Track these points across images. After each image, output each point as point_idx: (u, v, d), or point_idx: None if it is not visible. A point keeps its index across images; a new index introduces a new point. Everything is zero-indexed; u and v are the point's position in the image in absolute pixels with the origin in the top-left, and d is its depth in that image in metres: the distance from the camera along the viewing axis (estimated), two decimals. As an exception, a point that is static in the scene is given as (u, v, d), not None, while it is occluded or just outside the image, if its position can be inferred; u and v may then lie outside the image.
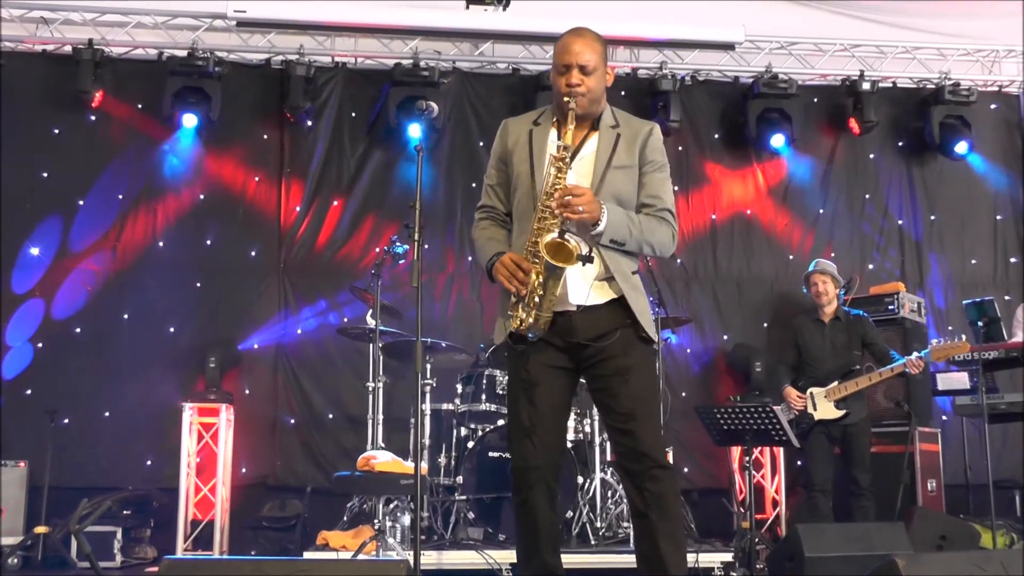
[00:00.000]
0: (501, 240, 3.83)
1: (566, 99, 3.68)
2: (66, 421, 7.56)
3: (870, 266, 8.85)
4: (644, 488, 3.56)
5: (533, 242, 3.60)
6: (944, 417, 8.45)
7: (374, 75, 8.65)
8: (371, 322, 6.77)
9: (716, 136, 8.97)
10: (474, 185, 8.50)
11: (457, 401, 6.97)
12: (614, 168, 3.72)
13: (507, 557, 5.86)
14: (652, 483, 3.56)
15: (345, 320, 8.13)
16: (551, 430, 3.73)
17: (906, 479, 7.35)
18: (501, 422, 6.69)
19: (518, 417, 3.71)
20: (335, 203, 8.47)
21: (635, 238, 3.68)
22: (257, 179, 8.45)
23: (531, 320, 3.58)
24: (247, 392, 8.10)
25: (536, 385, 3.67)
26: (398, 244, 6.64)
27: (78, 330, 8.03)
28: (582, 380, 3.87)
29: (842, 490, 6.91)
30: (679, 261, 8.64)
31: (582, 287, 3.66)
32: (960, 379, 7.80)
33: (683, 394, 8.26)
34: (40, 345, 7.95)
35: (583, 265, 3.55)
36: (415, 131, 8.21)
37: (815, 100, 9.06)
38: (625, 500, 6.55)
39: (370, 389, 6.94)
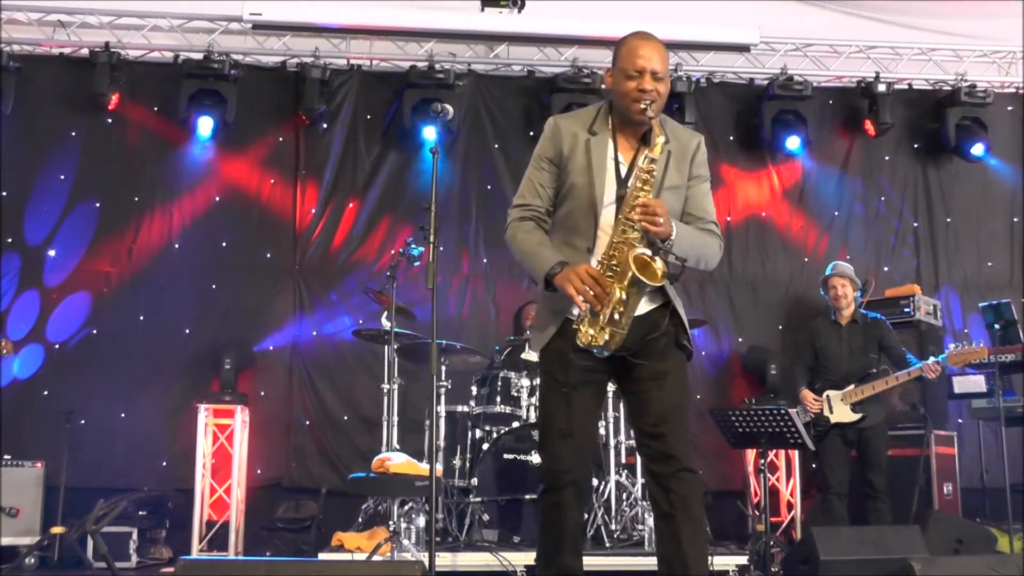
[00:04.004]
0: (553, 247, 3.67)
1: (642, 106, 3.55)
2: (82, 422, 7.58)
3: (885, 268, 8.82)
4: (670, 489, 3.54)
5: (610, 255, 3.49)
6: (960, 420, 8.40)
7: (389, 77, 8.67)
8: (386, 324, 6.77)
9: (731, 138, 8.95)
10: (489, 187, 8.52)
11: (472, 403, 6.97)
12: (666, 189, 3.62)
13: (522, 559, 5.86)
14: (678, 485, 3.54)
15: (360, 322, 8.15)
16: (586, 434, 3.72)
17: (922, 482, 7.33)
18: (516, 424, 6.70)
19: (555, 420, 3.66)
20: (350, 205, 8.49)
21: (695, 254, 3.61)
22: (272, 181, 8.47)
23: (606, 337, 3.47)
24: (262, 393, 8.12)
25: (575, 389, 3.61)
26: (413, 246, 6.63)
27: (94, 331, 8.07)
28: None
29: (858, 493, 6.89)
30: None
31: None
32: (977, 382, 7.77)
33: (698, 396, 8.23)
34: (56, 346, 8.00)
35: (671, 283, 3.54)
36: (430, 133, 8.22)
37: (830, 102, 9.04)
38: (640, 503, 6.56)
39: (385, 391, 6.94)
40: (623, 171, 3.63)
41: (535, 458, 6.44)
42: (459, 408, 6.94)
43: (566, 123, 3.76)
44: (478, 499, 6.48)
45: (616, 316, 3.46)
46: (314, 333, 8.27)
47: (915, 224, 8.98)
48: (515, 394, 6.86)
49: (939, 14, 8.79)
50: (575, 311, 3.56)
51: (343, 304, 8.33)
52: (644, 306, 3.62)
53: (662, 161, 3.60)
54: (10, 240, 8.05)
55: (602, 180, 3.62)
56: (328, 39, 8.50)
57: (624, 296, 3.44)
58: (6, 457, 7.14)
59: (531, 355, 6.87)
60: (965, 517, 7.42)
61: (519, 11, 8.31)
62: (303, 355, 8.24)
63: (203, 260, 8.27)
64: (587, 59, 8.49)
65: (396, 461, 6.10)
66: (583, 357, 3.60)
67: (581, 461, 3.70)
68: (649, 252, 3.44)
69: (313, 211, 8.43)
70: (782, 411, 6.01)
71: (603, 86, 3.92)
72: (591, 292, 3.44)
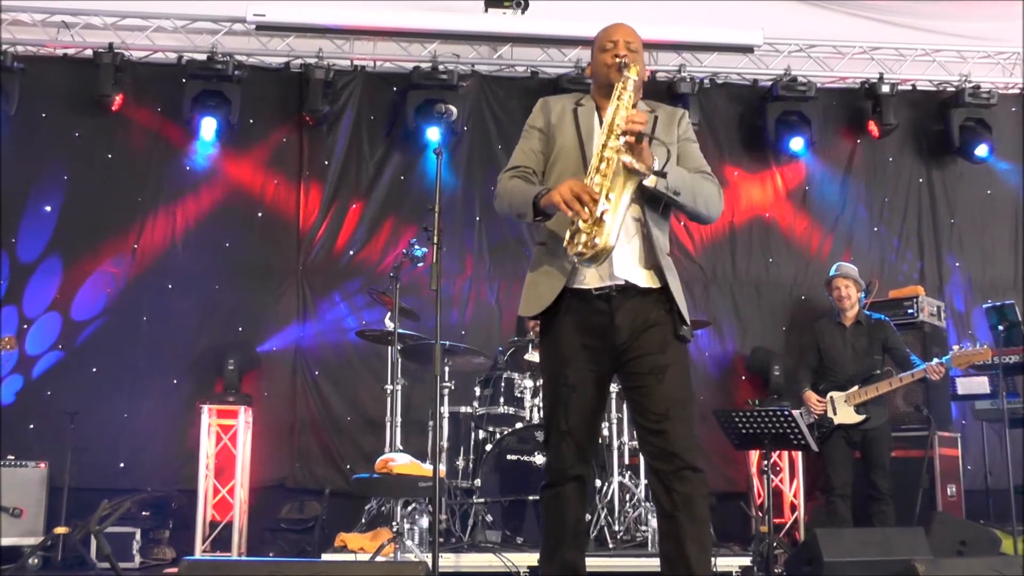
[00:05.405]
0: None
1: (618, 61, 3.72)
2: (86, 422, 7.57)
3: (889, 270, 8.81)
4: (673, 489, 3.53)
5: (596, 166, 3.52)
6: (964, 422, 8.40)
7: (393, 78, 8.67)
8: (389, 325, 6.79)
9: (735, 139, 8.95)
10: (493, 188, 8.47)
11: (475, 404, 6.98)
12: (656, 145, 3.63)
13: (525, 560, 5.87)
14: (681, 484, 3.53)
15: (363, 323, 8.15)
16: (588, 433, 3.71)
17: (926, 484, 7.33)
18: (519, 425, 6.70)
19: (556, 419, 3.68)
20: (354, 206, 8.48)
21: (689, 188, 3.66)
22: (276, 182, 8.47)
23: (596, 241, 3.43)
24: (265, 394, 8.12)
25: (575, 389, 3.63)
26: (417, 247, 6.64)
27: (98, 332, 8.07)
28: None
29: (861, 495, 6.89)
30: (698, 264, 8.64)
31: (628, 260, 3.62)
32: (980, 383, 7.77)
33: (701, 398, 8.22)
34: (60, 347, 8.01)
35: (655, 180, 3.52)
36: (434, 134, 8.23)
37: (834, 103, 9.03)
38: (643, 504, 6.56)
39: (388, 392, 6.96)
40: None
41: (538, 459, 6.45)
42: (463, 409, 6.95)
43: (555, 98, 3.96)
44: (481, 500, 6.48)
45: (604, 217, 3.44)
46: (317, 334, 8.27)
47: (919, 225, 8.96)
48: (518, 395, 6.88)
49: (943, 15, 8.79)
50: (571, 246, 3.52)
51: (346, 305, 8.34)
52: (639, 278, 3.63)
53: (648, 123, 3.68)
54: (13, 240, 8.06)
55: (589, 141, 3.71)
56: (332, 40, 8.51)
57: (611, 196, 3.46)
58: (10, 457, 7.16)
59: (534, 356, 6.88)
60: (969, 519, 7.41)
61: (522, 12, 8.33)
62: (307, 356, 8.24)
63: (207, 261, 8.27)
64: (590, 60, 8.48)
65: (399, 462, 6.11)
66: (586, 354, 3.61)
67: (583, 458, 3.70)
68: (633, 160, 3.45)
69: (316, 212, 8.43)
70: (786, 412, 6.01)
71: (587, 76, 3.95)
72: (577, 201, 3.44)
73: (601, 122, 3.72)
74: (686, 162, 3.81)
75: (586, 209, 3.43)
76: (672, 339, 3.66)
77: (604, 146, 3.56)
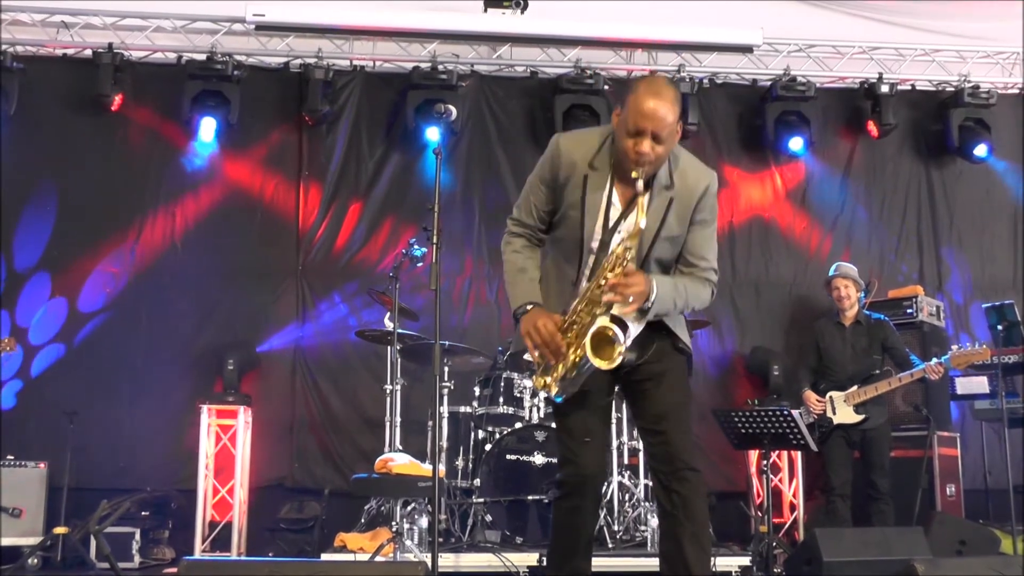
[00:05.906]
0: (535, 276, 3.69)
1: (634, 175, 3.42)
2: (86, 422, 7.57)
3: (888, 270, 8.81)
4: (672, 489, 3.57)
5: (574, 317, 3.52)
6: (963, 421, 8.39)
7: (392, 78, 8.66)
8: (389, 325, 6.78)
9: (734, 139, 8.94)
10: (492, 188, 8.51)
11: (475, 404, 6.98)
12: (663, 239, 3.58)
13: (524, 560, 5.87)
14: (680, 484, 3.57)
15: (363, 323, 8.14)
16: (602, 438, 3.78)
17: (925, 484, 7.33)
18: (519, 425, 6.70)
19: (571, 427, 3.69)
20: (353, 206, 8.48)
21: (679, 308, 3.63)
22: (275, 182, 8.47)
23: (555, 391, 3.57)
24: (265, 394, 8.11)
25: (587, 394, 3.65)
26: (416, 247, 6.64)
27: (97, 331, 8.06)
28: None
29: (861, 494, 6.89)
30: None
31: (632, 331, 3.56)
32: (979, 383, 7.77)
33: (701, 398, 8.21)
34: (61, 341, 8.00)
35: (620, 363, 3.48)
36: (433, 134, 8.21)
37: (833, 103, 9.02)
38: (643, 504, 6.56)
39: (388, 391, 6.96)
40: (614, 215, 3.59)
41: (538, 459, 6.45)
42: (462, 409, 6.96)
43: (569, 147, 3.64)
44: (481, 500, 6.48)
45: (567, 376, 3.52)
46: (317, 334, 8.26)
47: (918, 225, 8.96)
48: (518, 395, 6.88)
49: (942, 15, 8.78)
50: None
51: (346, 305, 8.33)
52: (633, 327, 3.59)
53: (662, 207, 3.56)
54: (11, 240, 8.05)
55: (593, 220, 3.60)
56: (331, 40, 8.50)
57: (578, 360, 3.49)
58: (9, 457, 7.16)
59: (533, 356, 6.87)
60: (968, 518, 7.41)
61: (522, 12, 8.31)
62: (306, 356, 8.23)
63: (206, 261, 8.27)
64: (590, 60, 8.49)
65: (399, 462, 6.11)
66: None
67: (600, 465, 3.76)
68: (614, 328, 3.39)
69: (316, 212, 8.42)
70: (785, 412, 6.01)
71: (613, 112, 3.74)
72: (546, 349, 3.52)
73: (611, 196, 3.59)
74: (689, 251, 3.67)
75: (553, 361, 3.54)
76: (671, 350, 3.72)
77: (588, 297, 3.51)
